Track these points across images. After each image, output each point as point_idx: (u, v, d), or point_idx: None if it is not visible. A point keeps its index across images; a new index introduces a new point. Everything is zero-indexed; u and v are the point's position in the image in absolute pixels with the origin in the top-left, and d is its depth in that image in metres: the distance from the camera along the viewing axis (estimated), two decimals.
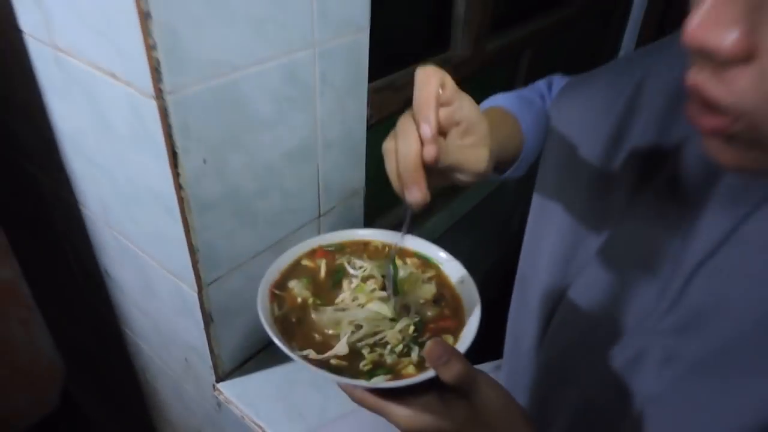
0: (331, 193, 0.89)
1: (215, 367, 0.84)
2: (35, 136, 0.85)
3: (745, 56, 0.28)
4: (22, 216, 1.06)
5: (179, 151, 0.62)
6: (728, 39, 0.28)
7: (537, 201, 0.58)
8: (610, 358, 0.47)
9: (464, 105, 0.41)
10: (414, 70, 0.41)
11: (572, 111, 0.54)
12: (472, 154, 0.41)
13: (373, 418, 0.72)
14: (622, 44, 2.38)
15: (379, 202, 1.33)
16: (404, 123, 0.40)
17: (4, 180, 0.73)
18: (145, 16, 0.52)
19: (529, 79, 1.73)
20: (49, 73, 0.72)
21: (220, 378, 0.87)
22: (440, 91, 0.39)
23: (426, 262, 0.50)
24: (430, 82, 0.39)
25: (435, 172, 0.40)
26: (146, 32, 0.53)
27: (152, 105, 0.58)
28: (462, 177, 0.42)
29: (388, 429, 0.70)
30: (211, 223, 0.70)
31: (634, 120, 0.49)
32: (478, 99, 0.47)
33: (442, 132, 0.39)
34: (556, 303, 0.54)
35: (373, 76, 0.84)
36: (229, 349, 0.85)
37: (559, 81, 0.63)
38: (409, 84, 1.20)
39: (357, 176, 0.93)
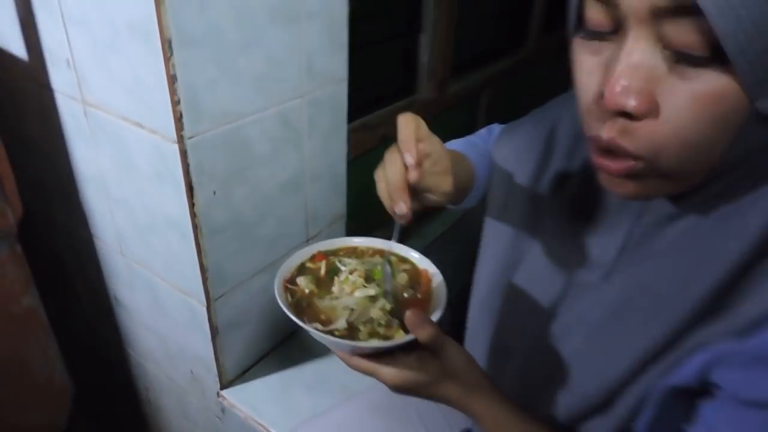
0: (317, 220, 1.02)
1: (220, 375, 0.95)
2: (56, 178, 0.97)
3: (647, 113, 0.41)
4: (39, 249, 1.16)
5: (195, 185, 0.75)
6: (634, 102, 0.41)
7: (486, 222, 0.73)
8: (545, 329, 0.61)
9: (433, 141, 0.55)
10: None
11: (508, 150, 0.70)
12: (440, 179, 0.55)
13: (354, 410, 0.84)
14: None
15: (359, 227, 1.46)
16: (390, 155, 0.54)
17: (27, 219, 0.85)
18: (172, 78, 0.66)
19: (489, 116, 1.91)
20: (77, 124, 0.84)
21: (224, 386, 0.98)
22: (417, 131, 0.53)
23: (403, 259, 0.64)
24: (409, 124, 0.53)
25: (413, 195, 0.53)
26: (172, 91, 0.67)
27: (174, 148, 0.71)
28: (433, 197, 0.56)
29: (367, 416, 0.82)
30: (219, 245, 0.83)
31: (552, 154, 0.65)
32: (443, 136, 0.62)
33: (419, 162, 0.53)
34: (500, 298, 0.68)
35: (350, 117, 0.99)
36: (232, 359, 0.96)
37: (496, 128, 0.79)
38: (382, 124, 1.35)
39: (339, 205, 1.07)
